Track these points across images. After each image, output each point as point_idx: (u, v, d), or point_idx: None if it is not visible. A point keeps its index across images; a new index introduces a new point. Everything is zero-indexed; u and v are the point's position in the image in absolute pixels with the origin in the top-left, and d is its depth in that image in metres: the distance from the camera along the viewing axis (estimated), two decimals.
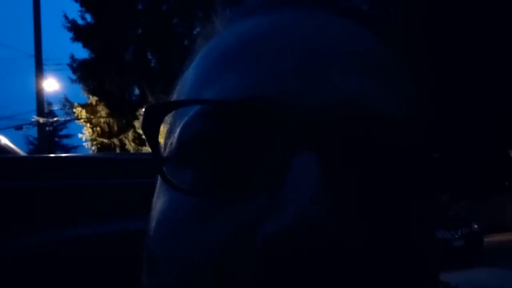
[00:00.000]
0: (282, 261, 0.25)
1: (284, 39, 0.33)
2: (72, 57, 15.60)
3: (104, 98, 15.16)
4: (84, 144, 16.03)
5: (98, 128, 15.55)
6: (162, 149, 0.37)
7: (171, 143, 0.34)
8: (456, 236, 11.18)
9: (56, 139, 29.17)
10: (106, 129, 15.54)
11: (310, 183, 0.27)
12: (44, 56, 13.29)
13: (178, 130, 0.33)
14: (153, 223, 0.34)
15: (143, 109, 0.32)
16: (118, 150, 15.10)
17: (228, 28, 0.38)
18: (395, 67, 0.35)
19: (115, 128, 15.47)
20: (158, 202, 0.34)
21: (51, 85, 14.36)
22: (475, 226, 11.83)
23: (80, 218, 0.83)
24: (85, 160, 1.21)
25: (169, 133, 0.36)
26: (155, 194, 0.36)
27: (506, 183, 17.05)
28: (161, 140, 0.36)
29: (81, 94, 15.74)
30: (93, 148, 15.48)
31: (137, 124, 14.47)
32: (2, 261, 0.74)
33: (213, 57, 0.36)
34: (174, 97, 0.40)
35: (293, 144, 0.28)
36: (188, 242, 0.30)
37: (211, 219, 0.29)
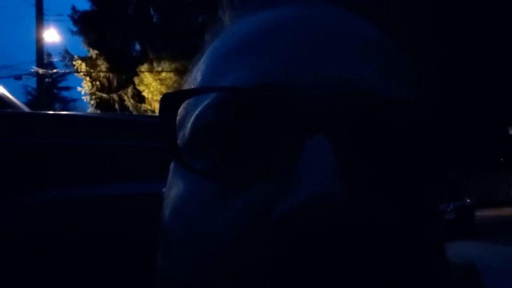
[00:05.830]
0: (298, 236, 0.26)
1: (295, 28, 0.34)
2: (73, 8, 15.35)
3: (104, 52, 14.99)
4: (83, 97, 15.97)
5: (98, 83, 15.45)
6: None
7: (183, 135, 0.35)
8: (448, 209, 11.32)
9: (55, 90, 29.05)
10: (106, 84, 15.44)
11: (324, 162, 0.27)
12: (45, 5, 13.06)
13: (191, 120, 0.34)
14: (167, 211, 0.35)
15: (161, 98, 0.33)
16: (117, 106, 15.06)
17: (237, 22, 0.39)
18: (399, 56, 0.37)
19: (115, 83, 15.37)
20: (172, 191, 0.35)
21: (51, 36, 14.17)
22: (468, 200, 11.97)
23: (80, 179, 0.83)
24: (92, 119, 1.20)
25: (181, 126, 0.36)
26: (167, 185, 0.37)
27: (501, 159, 17.18)
28: None
29: (81, 46, 15.57)
30: (92, 102, 15.42)
31: (137, 80, 14.37)
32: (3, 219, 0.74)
33: (225, 48, 0.37)
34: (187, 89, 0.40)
35: (306, 128, 0.30)
36: (206, 224, 0.30)
37: (227, 202, 0.30)
